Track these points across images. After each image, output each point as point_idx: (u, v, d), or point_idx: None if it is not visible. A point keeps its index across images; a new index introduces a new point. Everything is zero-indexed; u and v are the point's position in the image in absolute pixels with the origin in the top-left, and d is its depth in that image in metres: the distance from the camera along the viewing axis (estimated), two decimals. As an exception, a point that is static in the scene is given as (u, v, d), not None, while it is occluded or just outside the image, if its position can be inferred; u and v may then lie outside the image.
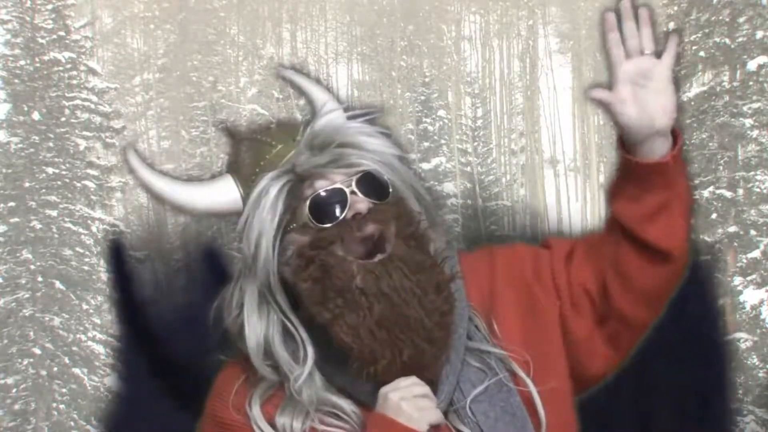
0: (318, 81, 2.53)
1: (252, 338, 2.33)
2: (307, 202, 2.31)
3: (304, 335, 2.32)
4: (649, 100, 2.33)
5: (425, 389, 2.27)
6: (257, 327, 2.33)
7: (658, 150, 2.33)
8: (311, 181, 2.32)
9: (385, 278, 2.26)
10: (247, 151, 2.41)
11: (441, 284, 2.31)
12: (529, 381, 2.32)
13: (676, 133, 2.36)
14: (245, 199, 2.37)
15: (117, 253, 2.91)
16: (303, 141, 2.35)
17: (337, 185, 2.31)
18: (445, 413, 2.30)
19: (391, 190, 2.34)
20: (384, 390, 2.27)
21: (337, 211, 2.30)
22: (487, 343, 2.35)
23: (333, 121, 2.38)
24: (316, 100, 2.48)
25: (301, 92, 2.53)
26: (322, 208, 2.31)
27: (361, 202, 2.31)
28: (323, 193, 2.31)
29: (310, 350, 2.31)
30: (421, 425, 2.25)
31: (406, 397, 2.25)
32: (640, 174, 2.33)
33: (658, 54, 2.35)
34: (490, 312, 2.38)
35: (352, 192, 2.31)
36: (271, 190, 2.33)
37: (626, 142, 2.34)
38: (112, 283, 2.90)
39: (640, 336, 2.41)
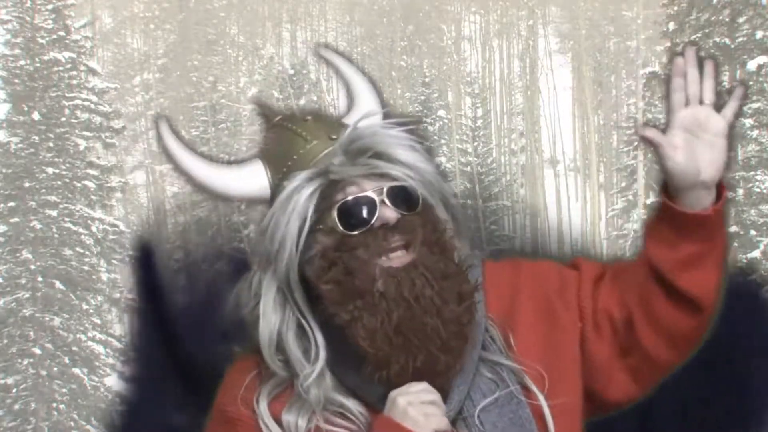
0: (363, 73, 2.51)
1: (265, 331, 2.32)
2: (337, 207, 2.31)
3: (318, 335, 2.32)
4: (699, 150, 2.30)
5: (434, 396, 2.27)
6: (272, 320, 2.32)
7: (700, 201, 2.32)
8: (343, 186, 2.32)
9: (407, 284, 2.26)
10: (281, 141, 2.40)
11: (464, 294, 2.30)
12: (540, 395, 2.32)
13: (721, 187, 2.34)
14: (273, 188, 2.37)
15: (146, 258, 2.89)
16: (340, 143, 2.33)
17: (368, 193, 2.31)
18: (454, 421, 2.30)
19: (420, 202, 2.33)
20: (393, 394, 2.27)
21: (366, 219, 2.30)
22: (501, 355, 2.34)
23: (372, 128, 2.36)
24: (357, 93, 2.47)
25: (342, 79, 2.51)
26: (351, 215, 2.30)
27: (391, 213, 2.30)
28: (353, 200, 2.31)
29: (322, 350, 2.31)
30: (425, 431, 2.25)
31: (414, 402, 2.25)
32: (680, 222, 2.32)
33: (718, 108, 2.33)
34: (509, 324, 2.37)
35: (382, 202, 2.30)
36: (303, 191, 2.32)
37: (669, 187, 2.33)
38: (138, 289, 2.88)
39: (662, 375, 2.40)
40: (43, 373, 34.45)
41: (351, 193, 2.31)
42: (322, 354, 2.31)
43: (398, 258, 2.28)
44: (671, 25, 31.14)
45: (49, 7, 38.26)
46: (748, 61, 30.06)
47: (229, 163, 2.43)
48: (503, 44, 75.29)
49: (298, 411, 2.30)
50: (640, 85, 43.10)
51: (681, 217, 2.31)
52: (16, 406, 34.52)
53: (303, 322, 2.33)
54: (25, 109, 37.14)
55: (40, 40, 37.98)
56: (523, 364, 2.34)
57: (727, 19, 30.45)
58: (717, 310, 2.38)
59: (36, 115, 36.85)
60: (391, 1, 74.46)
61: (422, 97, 55.30)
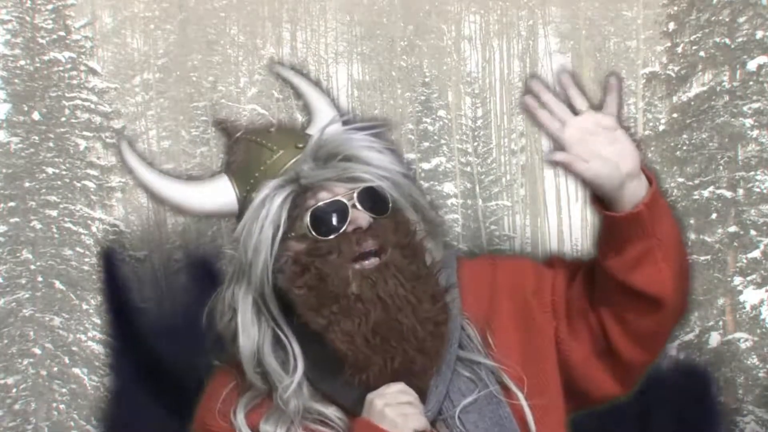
0: (317, 84, 2.51)
1: (246, 345, 2.32)
2: (308, 213, 2.31)
3: (295, 345, 2.32)
4: (605, 151, 2.29)
5: (411, 396, 2.27)
6: (251, 334, 2.32)
7: (636, 193, 2.30)
8: (314, 192, 2.32)
9: (381, 284, 2.26)
10: (246, 154, 2.39)
11: (436, 294, 2.31)
12: (520, 394, 2.31)
13: (649, 178, 2.31)
14: (241, 201, 2.36)
15: (110, 259, 2.91)
16: (308, 150, 2.33)
17: (339, 198, 2.31)
18: (434, 422, 2.30)
19: (390, 204, 2.33)
20: (370, 396, 2.27)
21: (338, 224, 2.30)
22: (479, 354, 2.34)
23: (339, 132, 2.37)
24: (315, 106, 2.47)
25: (297, 94, 2.52)
26: (322, 220, 2.30)
27: (362, 217, 2.30)
28: (325, 206, 2.31)
29: (300, 360, 2.31)
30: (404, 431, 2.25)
31: (391, 403, 2.25)
32: (616, 225, 2.30)
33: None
34: (487, 323, 2.37)
35: (354, 206, 2.31)
36: (275, 199, 2.31)
37: (601, 196, 2.32)
38: (103, 288, 2.90)
39: (640, 373, 2.39)
40: (43, 373, 34.44)
41: (322, 199, 2.31)
42: (300, 364, 2.31)
43: (370, 262, 2.28)
44: (671, 25, 31.10)
45: (49, 7, 38.23)
46: (748, 61, 30.01)
47: (195, 178, 2.42)
48: (503, 44, 75.28)
49: (276, 421, 2.30)
50: (640, 85, 43.11)
51: (615, 221, 2.30)
52: (16, 406, 34.51)
53: (279, 332, 2.32)
54: (25, 109, 37.11)
55: (40, 40, 37.95)
56: (502, 363, 2.33)
57: (727, 19, 30.41)
58: (685, 303, 2.36)
59: (36, 115, 36.82)
60: (391, 1, 74.44)
61: (422, 97, 55.26)
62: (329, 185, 2.32)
